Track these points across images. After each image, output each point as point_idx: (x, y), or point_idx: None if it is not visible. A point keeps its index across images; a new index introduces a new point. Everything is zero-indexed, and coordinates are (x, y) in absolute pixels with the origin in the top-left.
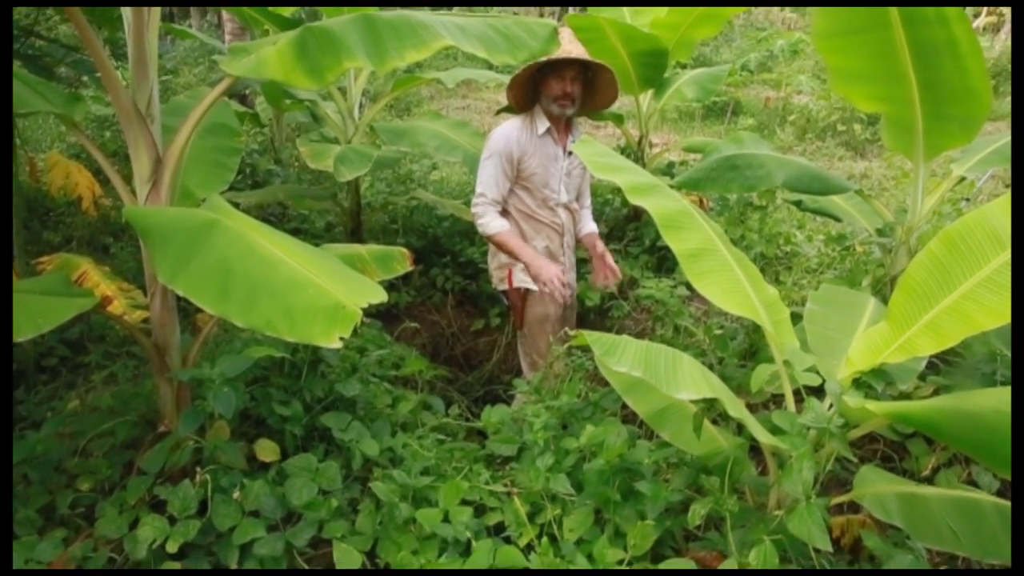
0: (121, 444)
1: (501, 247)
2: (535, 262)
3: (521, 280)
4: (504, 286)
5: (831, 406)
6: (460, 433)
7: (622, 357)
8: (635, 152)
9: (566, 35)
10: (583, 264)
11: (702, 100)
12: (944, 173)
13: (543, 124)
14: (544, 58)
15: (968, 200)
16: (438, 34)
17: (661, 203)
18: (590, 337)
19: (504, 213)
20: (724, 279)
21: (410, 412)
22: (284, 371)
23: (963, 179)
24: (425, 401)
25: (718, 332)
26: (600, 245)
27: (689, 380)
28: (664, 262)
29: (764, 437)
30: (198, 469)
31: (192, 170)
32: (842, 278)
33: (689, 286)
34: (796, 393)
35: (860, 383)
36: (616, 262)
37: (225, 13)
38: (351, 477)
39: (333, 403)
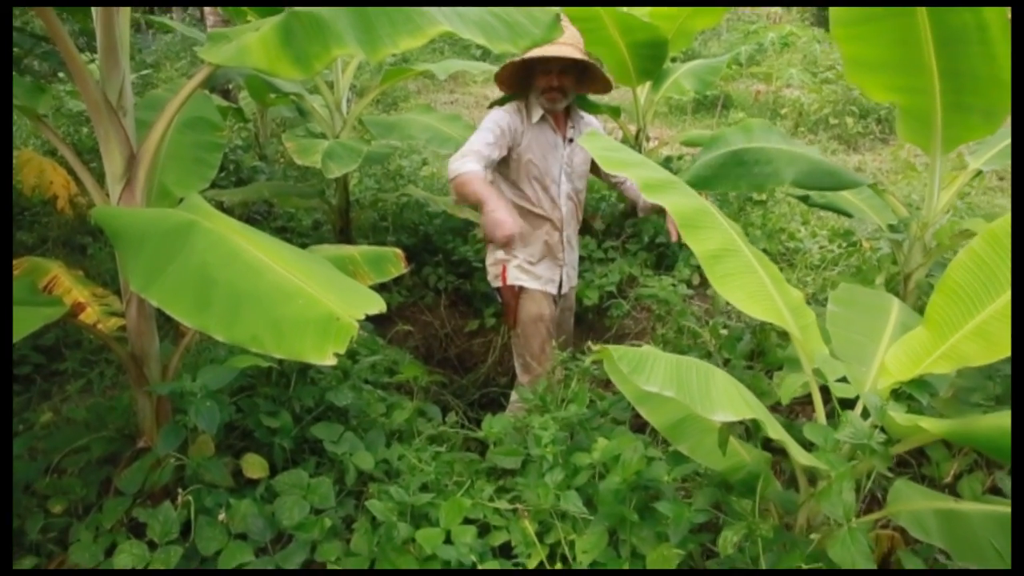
0: (97, 461)
1: (462, 190)
2: (494, 214)
3: (515, 277)
4: (497, 283)
5: (864, 414)
6: (457, 442)
7: (652, 375)
8: (632, 146)
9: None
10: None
11: (700, 92)
12: (954, 166)
13: (538, 112)
14: (521, 56)
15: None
16: (434, 19)
17: (679, 201)
18: (616, 353)
19: None
20: (748, 282)
21: (405, 421)
22: (272, 380)
23: (979, 173)
24: (420, 408)
25: (723, 332)
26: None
27: (725, 399)
28: (663, 259)
29: (805, 459)
30: (180, 490)
31: (170, 167)
32: (853, 275)
33: (690, 284)
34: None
35: (900, 395)
36: (613, 260)
37: (207, 6)
38: (344, 492)
39: (324, 413)
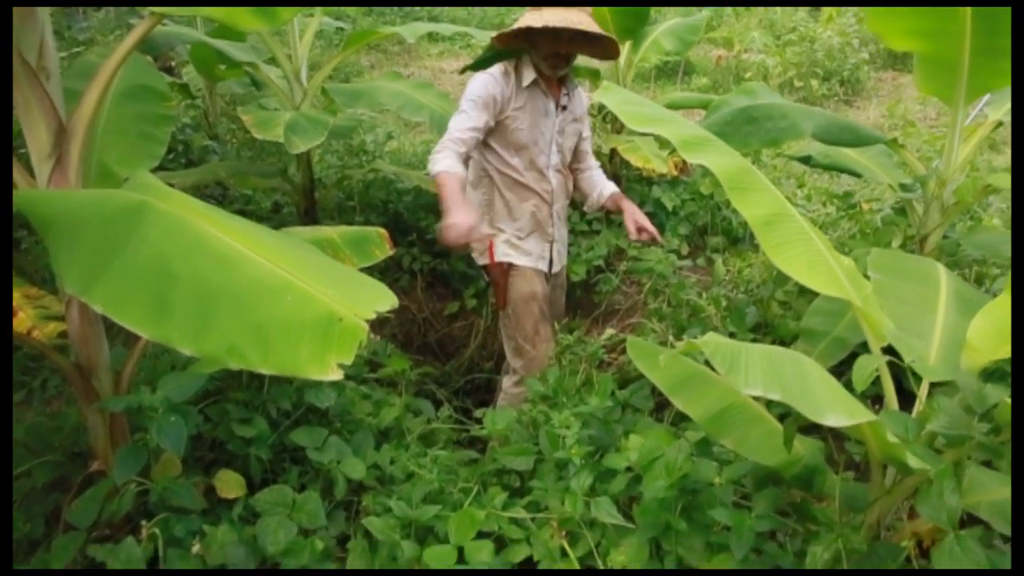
0: (42, 488)
1: (437, 191)
2: (452, 217)
3: (504, 253)
4: (484, 260)
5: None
6: (452, 438)
7: (750, 375)
8: (612, 112)
9: None
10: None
11: (681, 53)
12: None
13: (530, 74)
14: (540, 23)
15: None
16: None
17: (721, 160)
18: (708, 348)
19: (488, 179)
20: (805, 251)
21: (395, 419)
22: (243, 382)
23: (1000, 124)
24: (409, 404)
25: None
26: (630, 207)
27: (832, 398)
28: None
29: (915, 462)
30: (144, 521)
31: (111, 143)
32: (864, 238)
33: (679, 254)
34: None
35: (992, 375)
36: (599, 232)
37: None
38: (333, 504)
39: (304, 416)
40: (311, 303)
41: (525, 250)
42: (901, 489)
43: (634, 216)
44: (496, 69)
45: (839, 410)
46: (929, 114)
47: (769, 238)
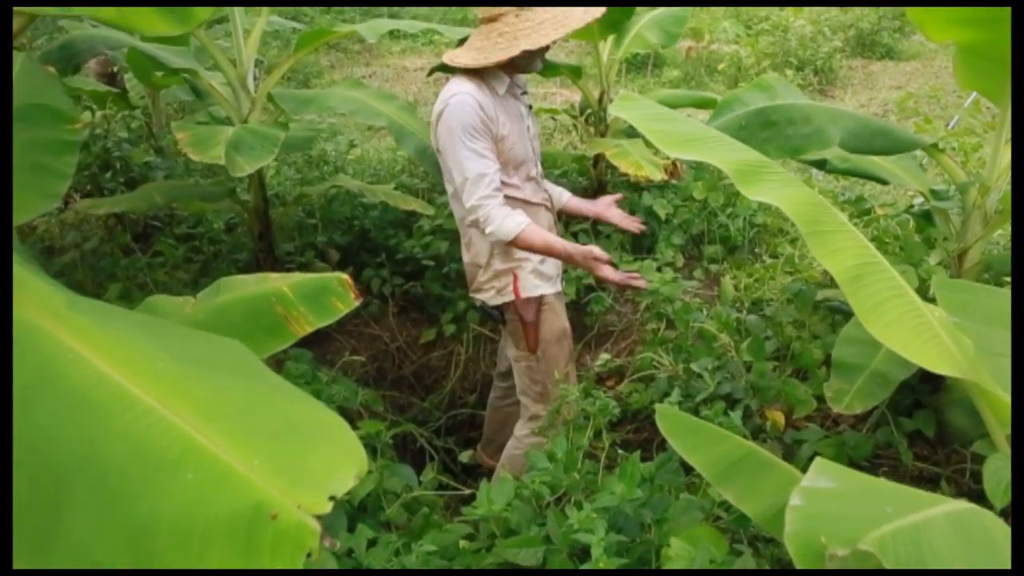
0: None
1: (526, 247)
2: (589, 257)
3: (533, 286)
4: (506, 298)
5: None
6: (439, 504)
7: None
8: (596, 113)
9: None
10: None
11: (667, 45)
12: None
13: (502, 82)
14: (578, 23)
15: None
16: None
17: (788, 195)
18: (886, 556)
19: None
20: (903, 312)
21: (372, 490)
22: None
23: None
24: (388, 467)
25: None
26: (598, 202)
27: None
28: (641, 239)
29: None
30: None
31: None
32: (882, 247)
33: (674, 267)
34: None
35: None
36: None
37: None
38: None
39: None
40: (227, 484)
41: (547, 275)
42: None
43: (614, 213)
44: (470, 87)
45: None
46: (926, 109)
47: (860, 298)
